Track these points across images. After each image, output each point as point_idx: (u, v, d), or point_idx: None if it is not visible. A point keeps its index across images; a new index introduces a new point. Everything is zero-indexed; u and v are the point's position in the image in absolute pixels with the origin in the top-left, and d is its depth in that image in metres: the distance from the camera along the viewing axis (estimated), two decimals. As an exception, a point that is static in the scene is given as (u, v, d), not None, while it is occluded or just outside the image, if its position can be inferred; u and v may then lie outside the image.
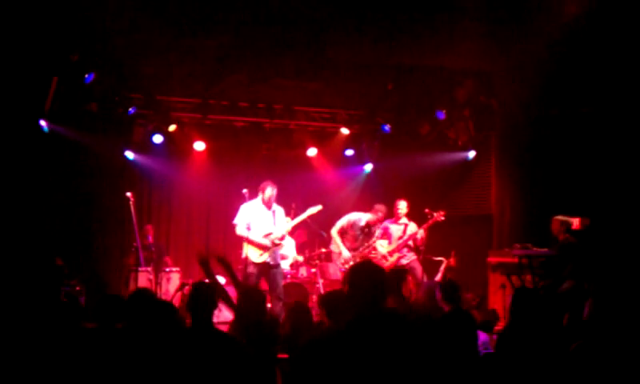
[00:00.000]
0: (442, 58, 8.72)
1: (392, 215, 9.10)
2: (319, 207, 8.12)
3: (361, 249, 8.69)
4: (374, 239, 8.73)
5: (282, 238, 7.94)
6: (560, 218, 7.88)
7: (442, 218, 8.82)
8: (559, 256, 7.61)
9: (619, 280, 7.02)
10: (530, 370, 3.77)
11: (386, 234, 9.10)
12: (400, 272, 5.28)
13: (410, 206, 9.07)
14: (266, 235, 7.78)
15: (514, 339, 4.06)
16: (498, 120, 9.78)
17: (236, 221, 7.86)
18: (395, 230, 9.00)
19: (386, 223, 9.07)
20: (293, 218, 8.32)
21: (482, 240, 9.85)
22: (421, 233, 8.82)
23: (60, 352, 3.88)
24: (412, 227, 8.98)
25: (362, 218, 8.80)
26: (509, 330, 4.41)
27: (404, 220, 9.02)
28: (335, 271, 9.40)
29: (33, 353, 3.89)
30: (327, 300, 4.50)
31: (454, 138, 10.38)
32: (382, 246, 9.00)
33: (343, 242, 8.75)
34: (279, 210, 8.05)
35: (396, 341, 3.14)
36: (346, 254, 8.63)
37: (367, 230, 8.75)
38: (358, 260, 8.44)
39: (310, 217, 8.19)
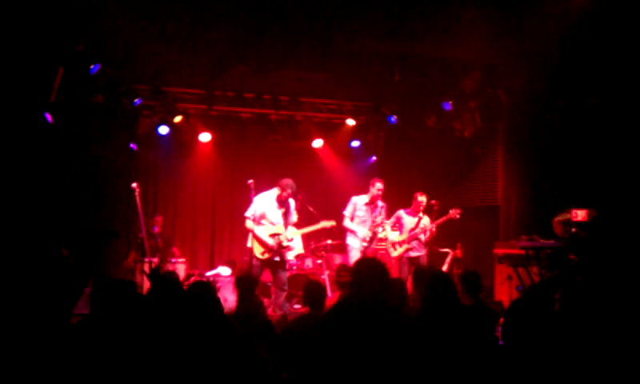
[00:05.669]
0: (449, 49, 8.67)
1: (409, 205, 9.12)
2: (332, 223, 8.37)
3: (370, 225, 8.67)
4: (379, 216, 8.69)
5: (290, 241, 7.95)
6: (559, 218, 7.82)
7: (458, 216, 8.85)
8: (568, 247, 7.57)
9: (625, 272, 6.97)
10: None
11: (399, 224, 9.10)
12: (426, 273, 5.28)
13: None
14: (273, 235, 7.77)
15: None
16: (505, 111, 9.72)
17: (248, 213, 7.86)
18: (409, 222, 9.02)
19: (401, 212, 9.08)
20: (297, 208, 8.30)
21: (489, 231, 9.82)
22: (432, 227, 8.88)
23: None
24: (425, 221, 9.00)
25: (364, 196, 8.81)
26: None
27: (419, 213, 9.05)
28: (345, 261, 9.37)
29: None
30: (307, 289, 4.64)
31: (460, 130, 10.33)
32: (393, 235, 9.06)
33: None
34: (291, 204, 8.07)
35: (376, 333, 3.13)
36: (363, 232, 8.59)
37: (371, 206, 8.73)
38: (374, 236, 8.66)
39: (316, 209, 8.18)
